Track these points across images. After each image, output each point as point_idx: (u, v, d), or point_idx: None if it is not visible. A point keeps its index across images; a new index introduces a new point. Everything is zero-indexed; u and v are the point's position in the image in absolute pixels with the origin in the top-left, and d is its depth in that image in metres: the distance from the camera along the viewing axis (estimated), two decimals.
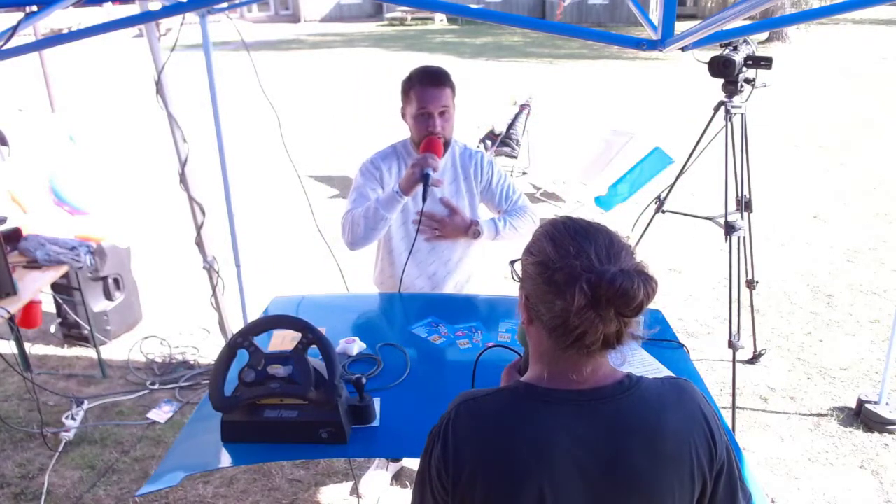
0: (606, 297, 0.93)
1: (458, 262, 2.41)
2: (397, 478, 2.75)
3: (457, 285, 2.45)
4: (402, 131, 2.35)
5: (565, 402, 1.00)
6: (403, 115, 2.25)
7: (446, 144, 2.23)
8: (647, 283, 0.94)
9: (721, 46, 2.88)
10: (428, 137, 2.15)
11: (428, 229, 2.25)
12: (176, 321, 4.09)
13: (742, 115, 2.96)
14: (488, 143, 6.94)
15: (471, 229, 2.26)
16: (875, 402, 3.04)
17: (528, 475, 0.97)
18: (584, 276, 0.94)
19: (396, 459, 2.74)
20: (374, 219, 2.16)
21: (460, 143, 2.37)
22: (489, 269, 2.53)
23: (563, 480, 0.97)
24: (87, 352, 3.77)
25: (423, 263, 2.37)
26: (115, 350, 3.79)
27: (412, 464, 2.78)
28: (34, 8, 1.62)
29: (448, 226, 2.25)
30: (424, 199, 2.13)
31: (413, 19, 28.86)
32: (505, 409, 1.02)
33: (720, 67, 2.85)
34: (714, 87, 3.04)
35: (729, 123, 2.93)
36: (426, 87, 2.14)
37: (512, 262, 1.10)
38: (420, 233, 2.24)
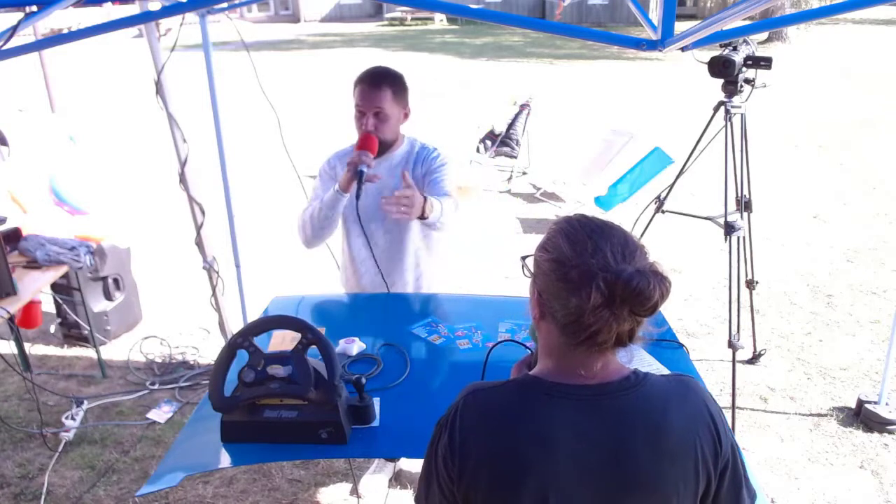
0: (622, 296, 0.94)
1: (416, 259, 2.40)
2: (397, 478, 2.75)
3: (415, 283, 2.43)
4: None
5: (571, 396, 1.01)
6: None
7: (385, 145, 2.24)
8: (662, 283, 0.95)
9: (721, 46, 2.88)
10: (363, 135, 2.18)
11: (395, 208, 2.06)
12: (176, 321, 4.09)
13: (742, 115, 2.96)
14: (488, 143, 6.95)
15: (426, 203, 2.10)
16: (875, 403, 3.04)
17: (533, 467, 0.97)
18: (600, 274, 0.95)
19: (394, 459, 2.74)
20: (320, 218, 2.23)
21: (419, 142, 2.37)
22: (483, 265, 2.52)
23: (567, 473, 0.98)
24: (86, 352, 3.77)
25: (381, 260, 2.36)
26: (115, 350, 3.79)
27: (410, 464, 2.78)
28: (34, 8, 1.62)
29: (413, 200, 2.06)
30: (358, 196, 2.12)
31: (413, 19, 28.84)
32: (512, 401, 1.03)
33: (720, 67, 2.85)
34: (714, 87, 3.04)
35: (729, 123, 2.93)
36: (364, 86, 2.18)
37: (524, 258, 1.10)
38: (388, 212, 2.09)
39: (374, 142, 2.17)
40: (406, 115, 2.27)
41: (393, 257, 2.38)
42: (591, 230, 1.01)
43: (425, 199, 2.10)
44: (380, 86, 2.17)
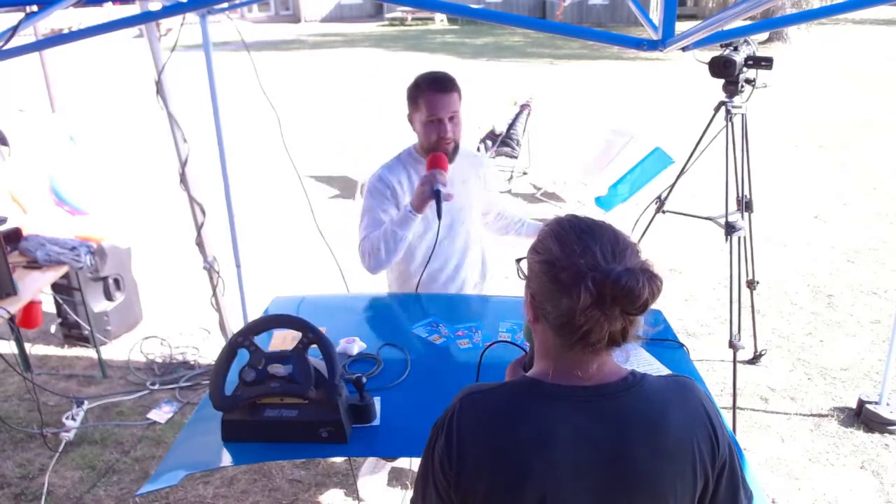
0: (612, 295, 0.93)
1: (481, 264, 2.45)
2: (397, 478, 2.75)
3: (476, 286, 2.47)
4: (400, 131, 2.35)
5: (569, 397, 1.01)
6: (411, 122, 2.23)
7: (456, 148, 2.22)
8: (652, 281, 0.95)
9: (721, 46, 2.87)
10: (432, 154, 2.13)
11: None
12: (176, 321, 4.09)
13: (742, 115, 2.96)
14: (489, 143, 6.94)
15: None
16: (875, 403, 3.04)
17: (531, 468, 0.97)
18: (589, 274, 0.95)
19: (391, 459, 2.74)
20: (394, 241, 2.14)
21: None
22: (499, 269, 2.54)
23: (565, 474, 0.97)
24: (87, 352, 3.77)
25: (448, 267, 2.36)
26: (116, 350, 3.79)
27: (410, 463, 2.78)
28: (34, 8, 1.62)
29: None
30: (440, 216, 2.10)
31: (413, 19, 28.84)
32: (509, 403, 1.02)
33: (721, 68, 2.85)
34: (714, 88, 3.04)
35: (729, 124, 2.93)
36: (435, 93, 2.12)
37: (518, 261, 1.10)
38: None
39: (444, 160, 2.13)
40: None
41: (461, 268, 2.39)
42: (580, 230, 1.01)
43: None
44: (451, 90, 2.14)
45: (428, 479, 1.05)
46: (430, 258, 2.28)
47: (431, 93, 2.13)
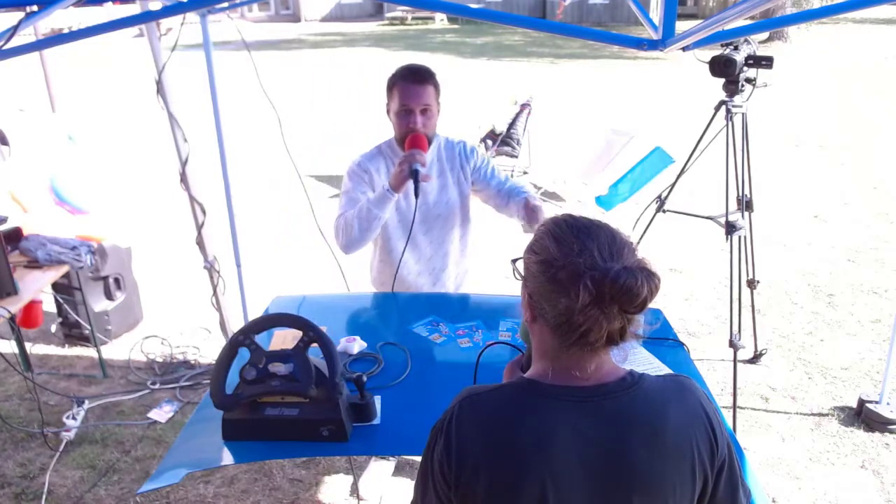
0: (610, 294, 0.93)
1: (459, 256, 2.45)
2: (398, 474, 2.75)
3: (456, 278, 2.47)
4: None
5: (568, 397, 1.01)
6: (388, 112, 2.27)
7: (429, 141, 2.25)
8: (650, 279, 0.95)
9: (722, 46, 2.88)
10: (412, 134, 2.17)
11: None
12: (177, 321, 4.09)
13: (743, 114, 2.96)
14: (489, 142, 6.94)
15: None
16: (876, 402, 3.04)
17: (531, 469, 0.97)
18: (587, 273, 0.94)
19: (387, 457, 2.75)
20: (368, 219, 2.17)
21: (442, 136, 2.39)
22: (484, 265, 2.53)
23: (565, 475, 0.97)
24: (87, 351, 3.77)
25: (423, 258, 2.39)
26: (116, 350, 3.79)
27: (410, 458, 2.78)
28: (34, 8, 1.63)
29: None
30: (417, 195, 2.15)
31: (413, 19, 28.86)
32: (508, 404, 1.02)
33: (721, 67, 2.85)
34: (715, 87, 3.04)
35: (730, 123, 2.93)
36: (409, 84, 2.16)
37: (514, 261, 1.10)
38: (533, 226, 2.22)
39: (424, 141, 2.17)
40: (439, 112, 2.28)
41: (433, 256, 2.40)
42: (577, 230, 1.01)
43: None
44: (425, 82, 2.17)
45: (427, 481, 1.05)
46: (405, 247, 2.32)
47: (405, 83, 2.17)
